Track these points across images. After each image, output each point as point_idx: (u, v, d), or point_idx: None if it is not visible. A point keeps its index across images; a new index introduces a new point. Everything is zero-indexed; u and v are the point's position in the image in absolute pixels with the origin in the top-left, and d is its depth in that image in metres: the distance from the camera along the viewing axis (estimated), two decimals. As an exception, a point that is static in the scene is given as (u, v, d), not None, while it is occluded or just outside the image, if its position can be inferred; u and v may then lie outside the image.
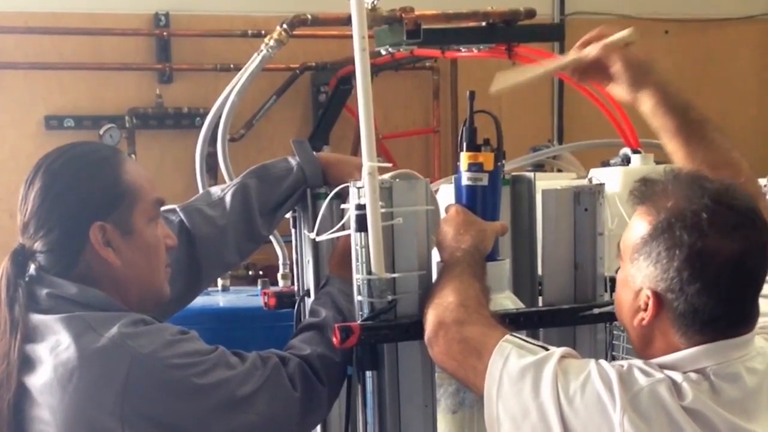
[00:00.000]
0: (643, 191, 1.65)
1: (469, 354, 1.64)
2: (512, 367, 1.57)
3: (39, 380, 1.72)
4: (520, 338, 1.63)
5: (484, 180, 1.90)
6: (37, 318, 1.76)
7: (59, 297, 1.77)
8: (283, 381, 1.80)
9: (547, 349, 1.60)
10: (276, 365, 1.81)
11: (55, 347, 1.71)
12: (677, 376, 1.54)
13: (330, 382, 1.86)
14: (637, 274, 1.60)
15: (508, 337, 1.62)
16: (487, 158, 1.90)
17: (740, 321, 1.59)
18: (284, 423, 1.82)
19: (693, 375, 1.55)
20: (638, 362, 1.58)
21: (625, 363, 1.58)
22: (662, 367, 1.57)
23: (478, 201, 1.91)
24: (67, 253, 1.80)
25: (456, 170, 1.95)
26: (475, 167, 1.90)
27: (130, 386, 1.67)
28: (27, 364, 1.74)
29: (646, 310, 1.59)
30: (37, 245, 1.80)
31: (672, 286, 1.55)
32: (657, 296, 1.57)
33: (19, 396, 1.74)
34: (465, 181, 1.91)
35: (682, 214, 1.56)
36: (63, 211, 1.79)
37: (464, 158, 1.91)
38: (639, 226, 1.62)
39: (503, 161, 1.95)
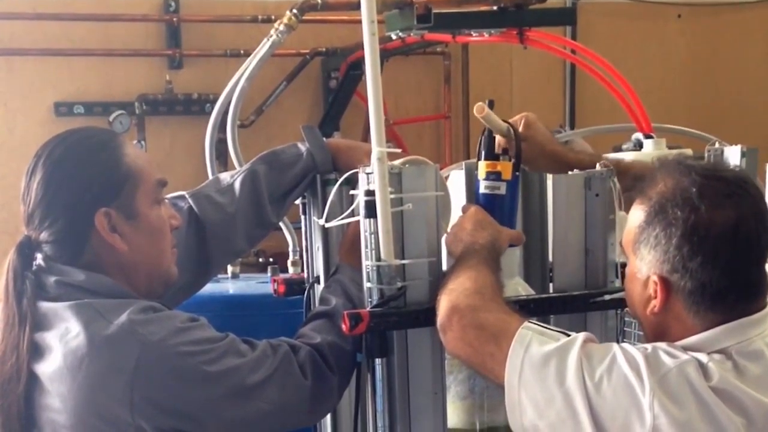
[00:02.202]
0: (634, 185, 1.68)
1: (486, 340, 1.63)
2: (534, 355, 1.56)
3: (49, 368, 1.72)
4: (539, 325, 1.63)
5: (502, 189, 1.91)
6: (45, 306, 1.76)
7: (67, 284, 1.77)
8: (293, 369, 1.80)
9: (567, 335, 1.60)
10: (286, 353, 1.80)
11: (64, 335, 1.71)
12: (702, 357, 1.53)
13: (340, 370, 1.86)
14: (641, 263, 1.62)
15: (527, 324, 1.61)
16: (505, 167, 1.91)
17: (749, 292, 1.59)
18: (294, 411, 1.82)
19: (716, 355, 1.55)
20: (662, 344, 1.57)
21: (648, 345, 1.57)
22: (685, 348, 1.56)
23: (495, 210, 1.91)
24: (73, 242, 1.79)
25: (477, 163, 1.94)
26: (493, 176, 1.91)
27: (139, 373, 1.67)
28: (36, 351, 1.74)
29: (656, 297, 1.59)
30: (43, 236, 1.79)
31: (675, 266, 1.56)
32: (663, 280, 1.58)
33: (29, 384, 1.74)
34: (482, 189, 1.92)
35: (673, 193, 1.58)
36: (67, 200, 1.78)
37: (482, 167, 1.92)
38: (635, 217, 1.64)
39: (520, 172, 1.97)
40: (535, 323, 1.63)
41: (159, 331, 1.70)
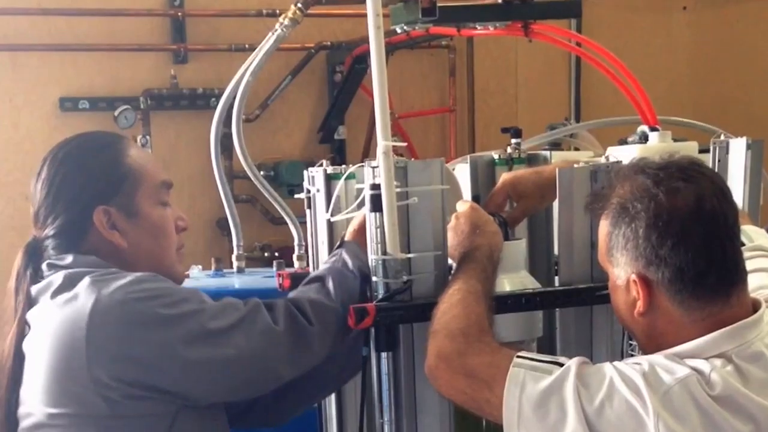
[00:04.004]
0: (595, 200, 1.70)
1: (480, 388, 1.60)
2: (531, 393, 1.54)
3: (29, 342, 1.79)
4: (529, 358, 1.59)
5: None
6: (35, 288, 1.82)
7: (57, 266, 1.82)
8: (262, 317, 1.77)
9: (559, 364, 1.57)
10: (256, 304, 1.79)
11: (41, 307, 1.78)
12: (704, 366, 1.52)
13: (320, 323, 1.81)
14: (618, 269, 1.62)
15: (516, 360, 1.58)
16: None
17: (728, 271, 1.58)
18: (268, 358, 1.77)
19: (717, 361, 1.53)
20: (658, 358, 1.56)
21: (643, 361, 1.55)
22: (683, 356, 1.55)
23: None
24: (72, 237, 1.84)
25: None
26: None
27: (93, 324, 1.69)
28: (23, 332, 1.80)
29: (640, 297, 1.59)
30: (46, 232, 1.85)
31: (649, 258, 1.56)
32: (642, 277, 1.58)
33: (20, 372, 1.79)
34: None
35: (630, 192, 1.59)
36: (67, 197, 1.84)
37: None
38: (602, 227, 1.66)
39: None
40: (524, 356, 1.59)
41: (115, 283, 1.72)
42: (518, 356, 1.59)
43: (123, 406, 1.69)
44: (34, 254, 1.86)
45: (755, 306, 1.62)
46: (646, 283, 1.58)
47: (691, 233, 1.54)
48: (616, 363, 1.57)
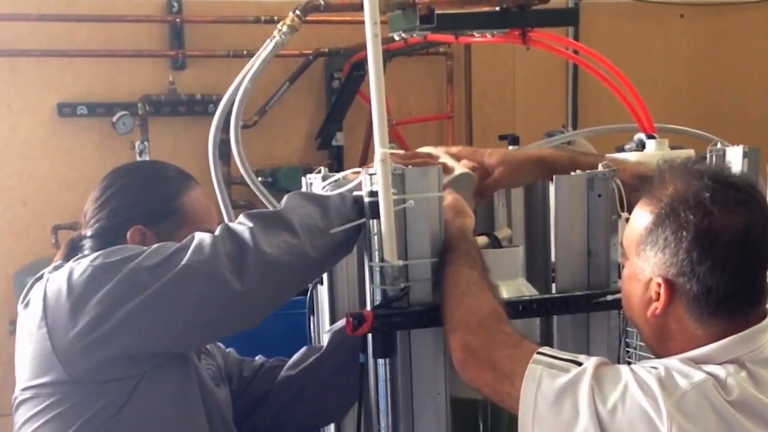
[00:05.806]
0: (643, 181, 1.68)
1: (502, 381, 1.61)
2: (546, 390, 1.54)
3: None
4: (548, 355, 1.60)
5: None
6: None
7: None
8: (197, 237, 1.76)
9: (578, 363, 1.57)
10: (193, 235, 1.78)
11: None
12: (720, 372, 1.52)
13: (257, 222, 1.76)
14: (645, 264, 1.61)
15: (536, 357, 1.59)
16: None
17: (752, 298, 1.59)
18: (211, 264, 1.71)
19: (730, 366, 1.54)
20: (673, 363, 1.56)
21: (659, 365, 1.55)
22: (696, 360, 1.55)
23: None
24: (103, 243, 1.88)
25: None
26: None
27: (45, 296, 1.75)
28: None
29: (658, 299, 1.59)
30: (85, 232, 1.94)
31: (683, 269, 1.55)
32: (668, 283, 1.57)
33: None
34: None
35: (685, 197, 1.57)
36: (113, 205, 1.93)
37: None
38: (642, 218, 1.63)
39: None
40: (545, 353, 1.60)
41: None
42: (538, 352, 1.60)
43: (80, 370, 1.72)
44: (72, 251, 1.94)
45: None
46: (670, 289, 1.58)
47: (730, 259, 1.55)
48: (633, 366, 1.57)
